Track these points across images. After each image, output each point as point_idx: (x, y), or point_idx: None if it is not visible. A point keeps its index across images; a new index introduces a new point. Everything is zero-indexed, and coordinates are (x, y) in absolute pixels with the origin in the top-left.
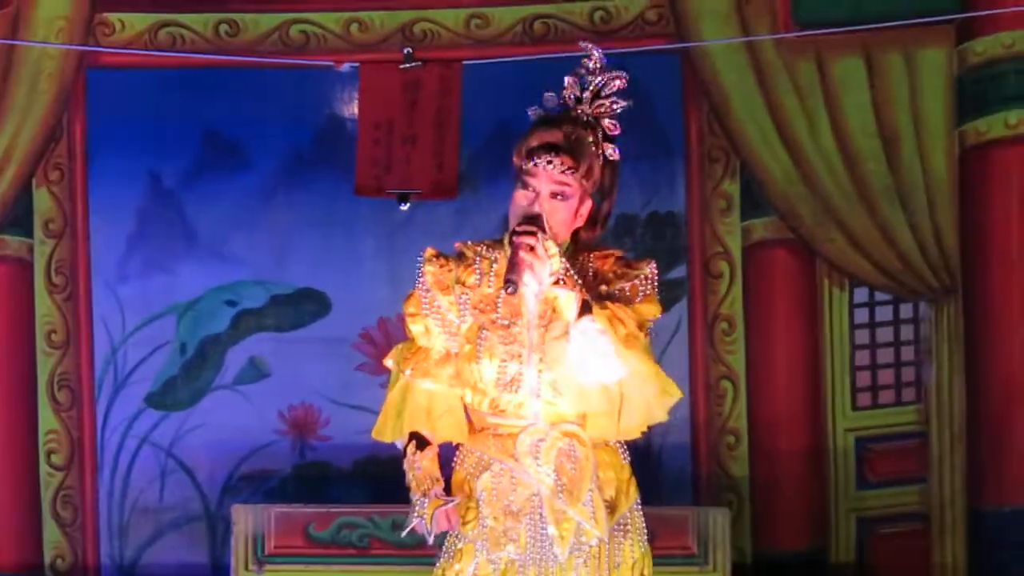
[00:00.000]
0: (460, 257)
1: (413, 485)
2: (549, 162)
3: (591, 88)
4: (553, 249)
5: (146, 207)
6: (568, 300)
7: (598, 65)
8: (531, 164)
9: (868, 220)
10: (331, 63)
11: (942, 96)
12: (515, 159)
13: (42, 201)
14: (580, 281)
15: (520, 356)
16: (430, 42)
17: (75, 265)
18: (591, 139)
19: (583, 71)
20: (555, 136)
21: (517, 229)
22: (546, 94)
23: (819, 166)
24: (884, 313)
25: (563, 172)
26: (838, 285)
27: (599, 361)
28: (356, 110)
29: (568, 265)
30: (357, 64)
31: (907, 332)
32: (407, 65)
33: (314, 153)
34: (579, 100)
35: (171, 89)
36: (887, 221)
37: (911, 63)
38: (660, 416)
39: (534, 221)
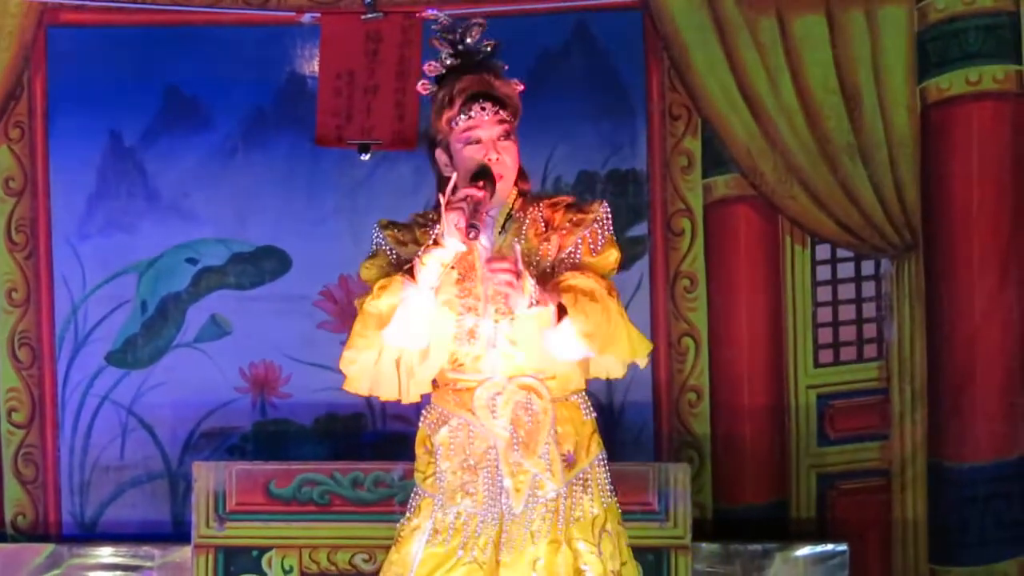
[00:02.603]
0: (413, 223)
1: (422, 259)
2: (483, 108)
3: (458, 40)
4: (529, 282)
5: (107, 165)
6: (545, 315)
7: (448, 22)
8: (468, 118)
9: (830, 177)
10: (291, 18)
11: (903, 53)
12: (442, 124)
13: (2, 159)
14: (536, 282)
15: (476, 308)
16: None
17: (36, 223)
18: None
19: (439, 32)
20: (479, 82)
21: (472, 187)
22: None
23: (780, 123)
24: (846, 270)
25: (501, 111)
26: (800, 242)
27: (578, 352)
28: (317, 67)
29: (535, 284)
30: (318, 15)
31: (868, 289)
32: (369, 15)
33: (275, 111)
34: (458, 54)
35: (131, 47)
36: (848, 178)
37: (872, 20)
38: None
39: (485, 175)
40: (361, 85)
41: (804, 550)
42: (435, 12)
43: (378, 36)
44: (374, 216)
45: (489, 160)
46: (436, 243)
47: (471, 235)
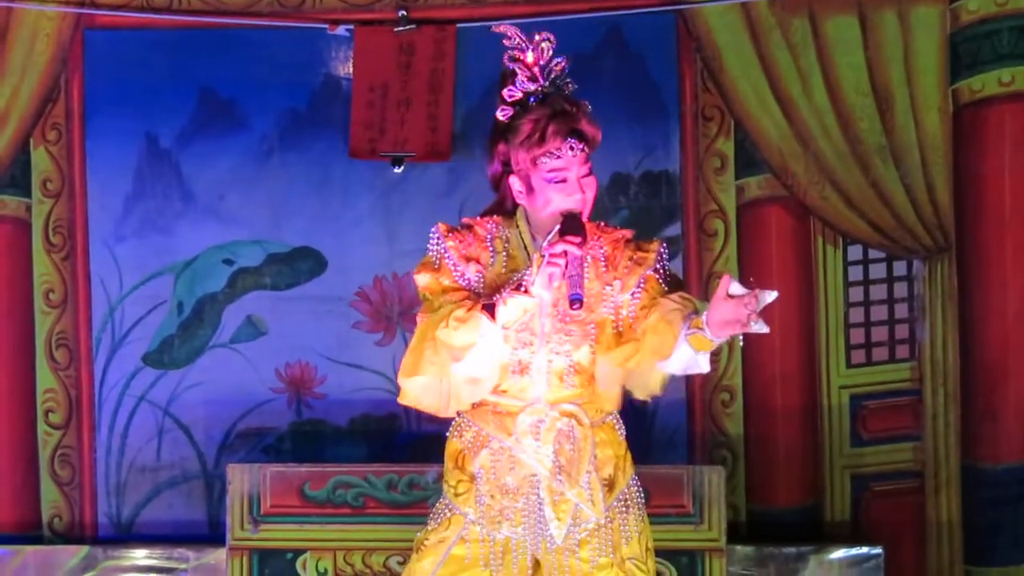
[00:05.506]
0: (474, 234)
1: (505, 300)
2: (571, 148)
3: (535, 63)
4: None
5: (143, 166)
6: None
7: (519, 40)
8: (557, 158)
9: (861, 178)
10: (325, 26)
11: (936, 54)
12: (524, 157)
13: (40, 161)
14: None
15: (532, 344)
16: (425, 1)
17: (73, 224)
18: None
19: (517, 52)
20: (570, 121)
21: (570, 241)
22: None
23: (813, 124)
24: (878, 270)
25: (585, 149)
26: (832, 243)
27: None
28: (352, 75)
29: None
30: (351, 27)
31: (901, 289)
32: (401, 28)
33: (310, 113)
34: (534, 77)
35: (168, 49)
36: (881, 179)
37: (904, 21)
38: None
39: (578, 228)
40: (394, 98)
41: (839, 553)
42: (500, 27)
43: (411, 49)
44: (409, 217)
45: (575, 202)
46: (526, 290)
47: (575, 307)
